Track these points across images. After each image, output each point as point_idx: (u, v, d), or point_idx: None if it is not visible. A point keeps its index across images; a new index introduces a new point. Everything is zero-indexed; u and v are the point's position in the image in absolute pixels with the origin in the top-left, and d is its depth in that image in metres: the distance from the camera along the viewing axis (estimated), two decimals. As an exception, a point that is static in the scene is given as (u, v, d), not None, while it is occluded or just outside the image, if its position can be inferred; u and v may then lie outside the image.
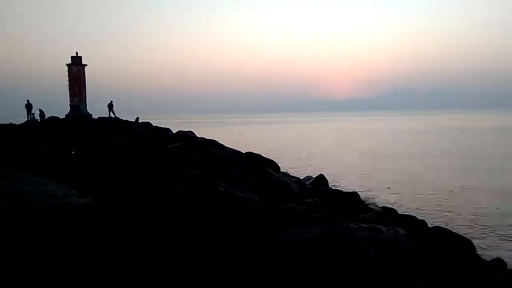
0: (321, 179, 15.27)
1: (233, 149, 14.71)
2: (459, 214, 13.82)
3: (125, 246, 4.24)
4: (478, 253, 8.63)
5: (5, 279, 3.48)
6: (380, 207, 12.71)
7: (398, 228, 5.61)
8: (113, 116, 32.51)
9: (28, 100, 30.55)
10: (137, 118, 31.98)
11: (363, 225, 5.58)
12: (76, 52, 31.96)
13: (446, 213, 13.99)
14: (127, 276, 3.84)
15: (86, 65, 32.41)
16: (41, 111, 30.49)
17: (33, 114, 30.64)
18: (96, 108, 33.41)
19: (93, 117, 31.93)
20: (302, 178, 17.54)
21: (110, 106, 33.02)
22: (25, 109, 30.64)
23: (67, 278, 3.66)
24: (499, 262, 8.10)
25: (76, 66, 31.69)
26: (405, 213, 12.46)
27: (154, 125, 28.27)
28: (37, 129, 20.88)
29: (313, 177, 16.42)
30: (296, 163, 27.45)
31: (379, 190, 18.25)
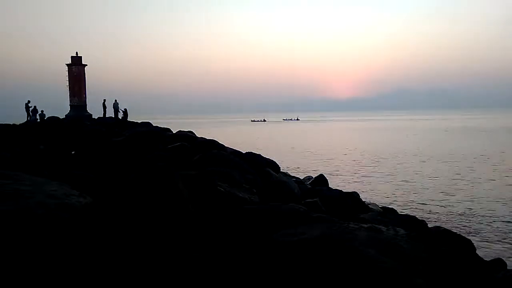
0: (321, 179, 15.23)
1: (233, 149, 14.70)
2: (459, 214, 13.83)
3: (125, 246, 4.24)
4: (478, 253, 8.63)
5: (5, 278, 3.48)
6: (380, 207, 12.70)
7: (398, 228, 5.60)
8: (105, 115, 32.58)
9: (29, 101, 30.56)
10: (104, 100, 32.44)
11: (363, 225, 5.57)
12: (76, 52, 31.88)
13: (446, 213, 14.00)
14: (127, 276, 3.83)
15: (86, 65, 32.34)
16: (35, 109, 30.49)
17: (33, 114, 30.61)
18: (96, 108, 33.35)
19: (93, 117, 31.88)
20: (302, 178, 17.51)
21: (104, 105, 33.24)
22: (25, 110, 30.60)
23: (67, 277, 3.66)
24: (499, 262, 8.09)
25: (76, 66, 31.60)
26: (405, 213, 12.46)
27: (154, 125, 28.22)
28: (37, 129, 20.85)
29: (313, 177, 16.39)
30: (296, 163, 27.46)
31: (379, 190, 18.26)
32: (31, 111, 30.71)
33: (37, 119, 30.45)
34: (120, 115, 32.29)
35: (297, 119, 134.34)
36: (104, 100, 33.15)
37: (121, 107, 32.78)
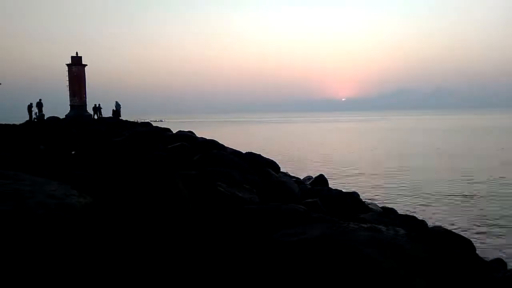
0: (321, 179, 15.24)
1: (233, 149, 14.71)
2: (459, 214, 13.82)
3: (125, 246, 4.24)
4: (478, 253, 8.63)
5: (5, 279, 3.48)
6: (380, 207, 12.70)
7: (398, 228, 5.60)
8: (100, 116, 32.75)
9: (31, 103, 30.72)
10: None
11: (363, 225, 5.57)
12: (76, 52, 31.94)
13: (446, 213, 13.99)
14: (127, 276, 3.83)
15: (86, 65, 32.39)
16: (39, 110, 30.55)
17: (36, 113, 30.74)
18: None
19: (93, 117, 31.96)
20: (302, 178, 17.52)
21: (99, 108, 33.71)
22: (26, 110, 30.67)
23: (67, 278, 3.66)
24: (499, 262, 8.09)
25: (76, 66, 31.67)
26: (405, 213, 12.46)
27: (154, 125, 28.30)
28: (37, 129, 20.86)
29: (313, 177, 16.39)
30: (296, 163, 27.46)
31: (379, 190, 18.25)
32: (32, 108, 30.67)
33: (36, 119, 30.46)
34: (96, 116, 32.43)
35: (161, 121, 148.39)
36: (99, 105, 33.42)
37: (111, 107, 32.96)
